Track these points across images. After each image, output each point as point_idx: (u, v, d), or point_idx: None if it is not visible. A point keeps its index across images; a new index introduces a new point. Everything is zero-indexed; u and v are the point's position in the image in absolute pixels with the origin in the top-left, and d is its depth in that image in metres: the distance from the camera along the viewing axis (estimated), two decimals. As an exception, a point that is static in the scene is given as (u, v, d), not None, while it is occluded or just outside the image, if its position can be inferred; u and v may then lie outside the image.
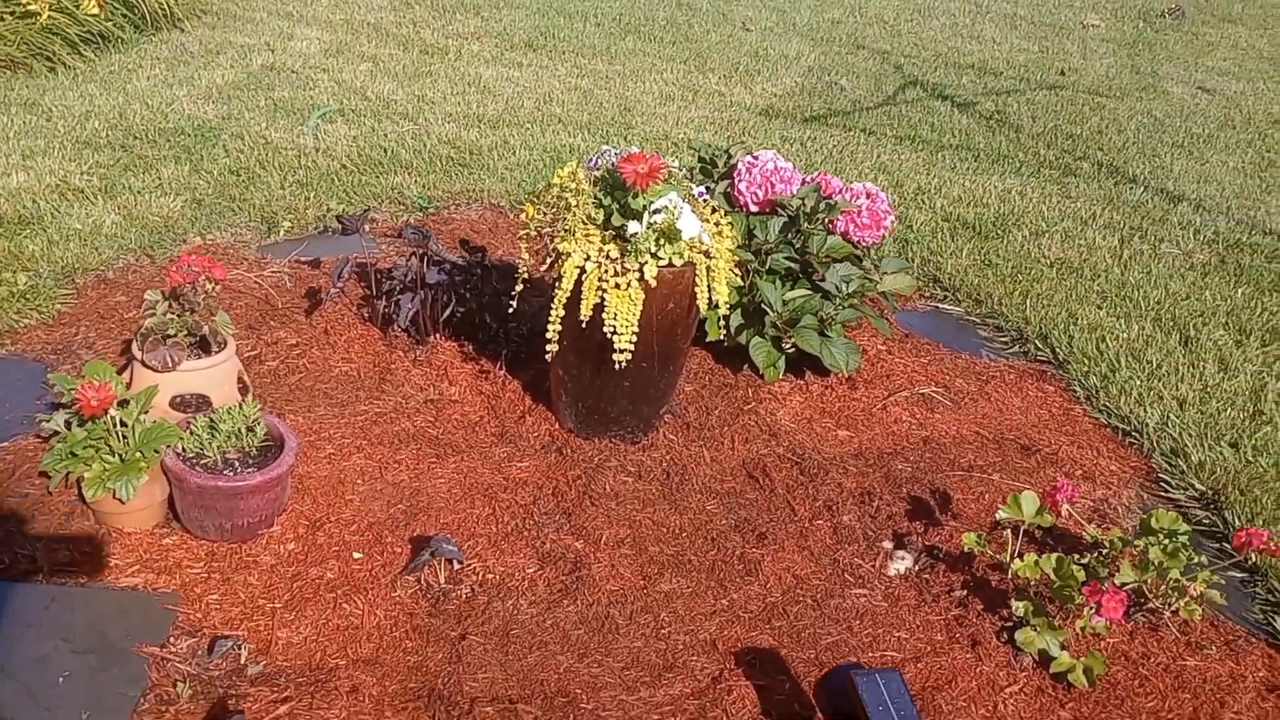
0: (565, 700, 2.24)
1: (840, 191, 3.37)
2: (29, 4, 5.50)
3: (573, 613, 2.46)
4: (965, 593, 2.64)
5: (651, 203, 2.72)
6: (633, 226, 2.67)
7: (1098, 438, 3.36)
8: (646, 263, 2.69)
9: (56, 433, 2.48)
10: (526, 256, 2.89)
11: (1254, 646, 2.57)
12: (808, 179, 3.39)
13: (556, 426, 3.07)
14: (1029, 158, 5.84)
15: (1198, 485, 3.15)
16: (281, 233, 4.09)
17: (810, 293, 3.26)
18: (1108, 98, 7.23)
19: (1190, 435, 3.34)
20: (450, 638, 2.36)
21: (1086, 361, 3.73)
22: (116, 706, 2.12)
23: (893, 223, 3.42)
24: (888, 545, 2.79)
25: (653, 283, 2.69)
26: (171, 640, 2.28)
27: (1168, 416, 3.43)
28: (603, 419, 2.98)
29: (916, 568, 2.72)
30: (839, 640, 2.47)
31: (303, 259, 3.88)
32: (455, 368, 3.27)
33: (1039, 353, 3.82)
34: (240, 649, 2.27)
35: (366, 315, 3.49)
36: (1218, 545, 2.92)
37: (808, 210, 3.26)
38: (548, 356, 2.82)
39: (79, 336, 3.31)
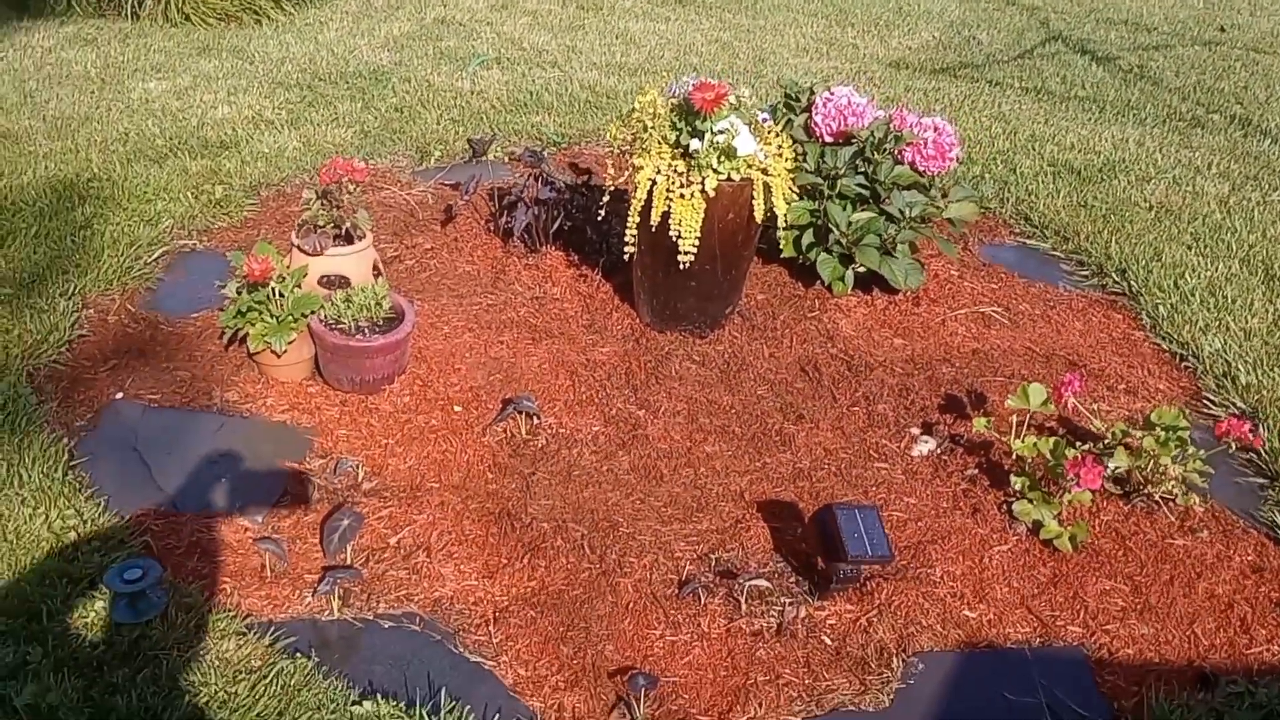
0: (608, 525, 2.74)
1: (911, 126, 3.70)
2: (241, -35, 6.34)
3: (625, 462, 2.96)
4: (977, 472, 2.98)
5: (715, 125, 3.15)
6: (695, 144, 3.11)
7: (1152, 360, 3.59)
8: (708, 176, 3.13)
9: (231, 298, 3.13)
10: (612, 171, 3.37)
11: (1249, 537, 2.82)
12: (881, 114, 3.73)
13: (636, 321, 3.55)
14: (1158, 109, 5.89)
15: (1239, 404, 3.36)
16: (432, 160, 4.70)
17: (875, 215, 3.62)
18: (1267, 54, 7.09)
19: (1245, 361, 3.52)
20: (523, 474, 2.90)
21: (1160, 294, 3.92)
22: (262, 501, 2.75)
23: (959, 154, 3.72)
24: (915, 431, 3.15)
25: (712, 194, 3.12)
26: (308, 459, 2.90)
27: (1228, 344, 3.62)
28: (674, 315, 3.45)
29: (938, 451, 3.08)
30: (851, 500, 2.87)
31: (445, 182, 4.48)
32: (559, 272, 3.79)
33: (1116, 285, 4.03)
34: (358, 469, 2.87)
35: (491, 228, 4.06)
36: (1246, 456, 3.13)
37: (876, 141, 3.61)
38: (626, 257, 3.30)
39: (258, 235, 4.00)
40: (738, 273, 3.44)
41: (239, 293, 3.12)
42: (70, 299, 3.44)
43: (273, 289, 3.10)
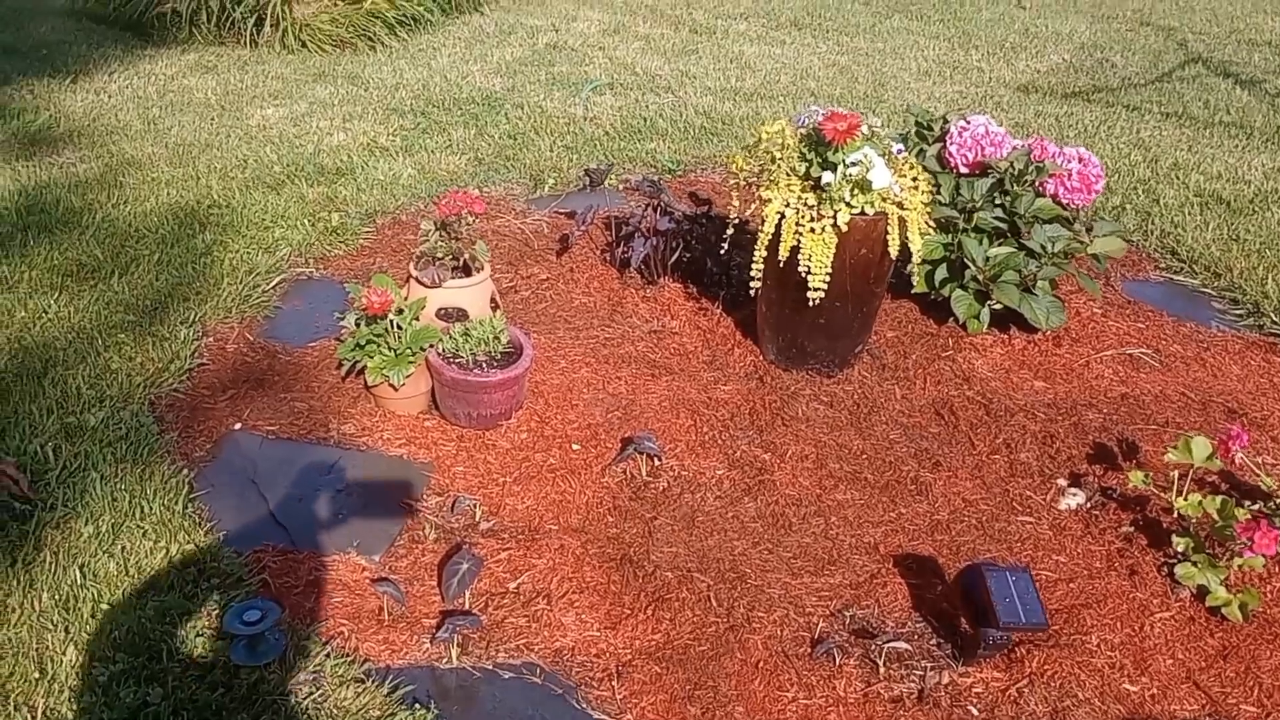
0: (736, 576, 2.60)
1: (1053, 156, 3.49)
2: (358, -8, 6.41)
3: (752, 508, 2.81)
4: (1132, 529, 2.76)
5: (847, 156, 3.00)
6: (827, 176, 2.97)
7: (1318, 409, 3.32)
8: (840, 210, 2.98)
9: (349, 330, 3.08)
10: (737, 203, 3.24)
11: None
12: (1020, 144, 3.54)
13: (759, 358, 3.41)
14: (1308, 135, 5.55)
15: None
16: (546, 188, 4.64)
17: (1014, 250, 3.42)
18: None
19: None
20: (645, 518, 2.77)
21: (1324, 337, 3.64)
22: (379, 540, 2.67)
23: (1103, 187, 3.50)
24: (1062, 483, 2.94)
25: (845, 228, 2.97)
26: (424, 497, 2.82)
27: (1403, 394, 3.33)
28: (800, 353, 3.30)
29: (1088, 505, 2.87)
30: (997, 557, 2.68)
31: (560, 211, 4.40)
32: (678, 305, 3.67)
33: (1275, 326, 3.76)
34: (476, 509, 2.77)
35: (607, 258, 3.96)
36: None
37: (1015, 172, 3.42)
38: (751, 292, 3.16)
39: (374, 264, 3.97)
40: (869, 310, 3.28)
41: (358, 325, 3.06)
42: (191, 327, 3.44)
43: (391, 321, 3.04)
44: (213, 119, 5.20)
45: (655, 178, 3.79)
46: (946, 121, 3.66)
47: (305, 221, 4.18)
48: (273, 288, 3.76)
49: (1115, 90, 6.21)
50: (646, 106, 5.64)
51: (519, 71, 6.15)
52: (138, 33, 6.42)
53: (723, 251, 3.38)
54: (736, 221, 3.26)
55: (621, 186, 4.64)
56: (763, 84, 6.10)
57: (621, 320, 3.61)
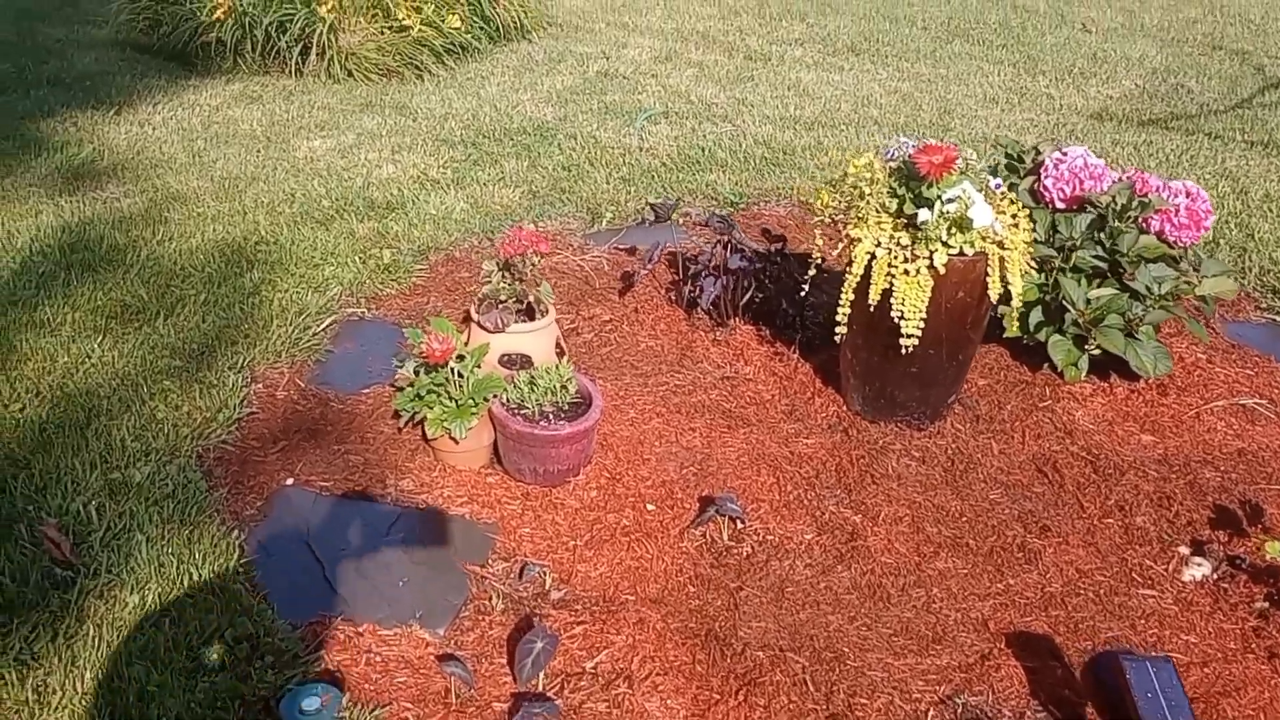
0: (832, 656, 2.36)
1: (1158, 190, 3.25)
2: (404, 20, 6.26)
3: (845, 578, 2.58)
4: (1267, 605, 2.51)
5: (944, 192, 2.78)
6: (923, 214, 2.74)
7: None
8: (936, 250, 2.76)
9: (407, 378, 2.89)
10: (820, 242, 3.02)
11: None
12: (1121, 176, 3.30)
13: (843, 408, 3.18)
14: (1402, 163, 5.26)
15: None
16: (604, 222, 4.44)
17: (1117, 292, 3.18)
18: None
19: None
20: (729, 588, 2.54)
21: None
22: (443, 610, 2.46)
23: (1213, 223, 3.26)
24: (1184, 550, 2.69)
25: (942, 270, 2.75)
26: (490, 562, 2.60)
27: None
28: (889, 403, 3.07)
29: (1214, 576, 2.61)
30: (1119, 636, 2.43)
31: (620, 246, 4.20)
32: (751, 349, 3.46)
33: (1390, 371, 3.49)
34: (545, 576, 2.56)
35: (673, 298, 3.75)
36: None
37: (1118, 208, 3.18)
38: (836, 338, 2.94)
39: (429, 304, 3.78)
40: (964, 357, 3.04)
41: (416, 373, 2.87)
42: (239, 372, 3.26)
43: (452, 369, 2.84)
44: (259, 151, 5.05)
45: (724, 213, 3.59)
46: (1039, 153, 3.43)
47: (356, 259, 4.01)
48: (323, 330, 3.58)
49: (1194, 117, 5.94)
50: (704, 136, 5.45)
51: (570, 100, 5.98)
52: (182, 63, 6.31)
53: (803, 293, 3.16)
54: (819, 261, 3.04)
55: (681, 220, 4.44)
56: (823, 112, 5.89)
57: (692, 365, 3.39)
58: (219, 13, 6.02)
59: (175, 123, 5.40)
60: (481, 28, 6.83)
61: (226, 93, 5.90)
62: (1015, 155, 3.50)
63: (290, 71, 6.18)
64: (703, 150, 5.25)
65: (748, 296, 3.53)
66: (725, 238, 3.53)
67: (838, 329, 2.92)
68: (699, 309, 3.59)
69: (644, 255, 3.97)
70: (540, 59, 6.82)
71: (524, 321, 3.04)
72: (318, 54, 6.13)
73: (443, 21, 6.41)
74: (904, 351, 2.81)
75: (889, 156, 3.02)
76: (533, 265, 3.00)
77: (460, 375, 2.84)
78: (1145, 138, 5.56)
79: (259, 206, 4.42)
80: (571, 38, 7.38)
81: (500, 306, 2.99)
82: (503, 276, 3.03)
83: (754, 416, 3.16)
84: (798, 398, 3.25)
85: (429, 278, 3.97)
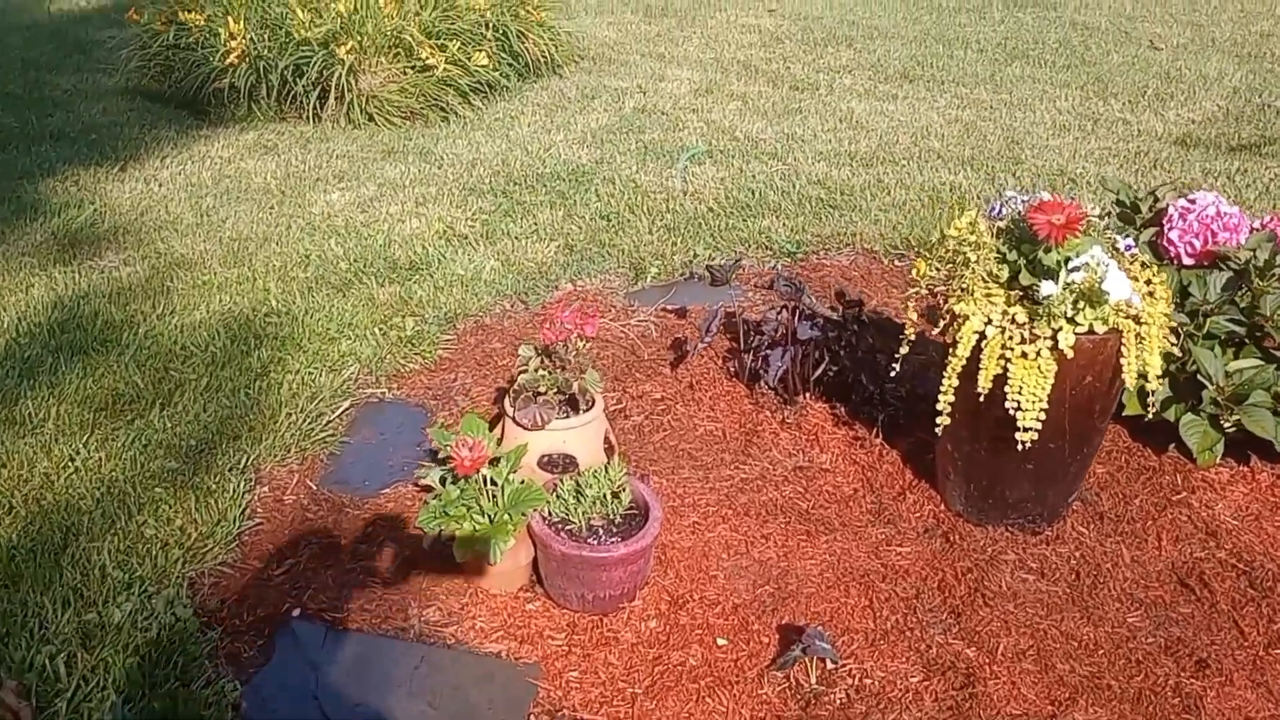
0: None
1: (1302, 239, 2.78)
2: (428, 59, 5.88)
3: (966, 739, 2.11)
4: None
5: (1069, 258, 2.32)
6: (1047, 287, 2.28)
7: None
8: (1061, 329, 2.30)
9: (432, 488, 2.46)
10: (914, 316, 2.57)
11: None
12: (1259, 224, 2.83)
13: (942, 508, 2.72)
14: None
15: None
16: (648, 279, 4.02)
17: (1261, 363, 2.70)
18: None
19: None
20: (823, 752, 2.09)
21: None
22: (475, 789, 2.02)
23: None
24: (1376, 690, 2.20)
25: (1069, 352, 2.29)
26: (531, 717, 2.16)
27: None
28: (998, 503, 2.60)
29: None
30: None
31: (669, 307, 3.77)
32: (826, 432, 3.00)
33: None
34: (598, 737, 2.11)
35: (732, 370, 3.31)
36: None
37: (1259, 264, 2.71)
38: (937, 430, 2.48)
39: (457, 382, 3.36)
40: (1089, 449, 2.57)
41: (443, 482, 2.44)
42: (242, 474, 2.85)
43: (484, 477, 2.40)
44: (272, 207, 4.67)
45: (790, 275, 3.14)
46: (1158, 199, 2.97)
47: (375, 330, 3.60)
48: (339, 416, 3.16)
49: (1287, 140, 5.44)
50: (753, 176, 5.01)
51: (606, 140, 5.57)
52: (194, 111, 5.96)
53: (894, 373, 2.70)
54: (912, 338, 2.59)
55: (736, 278, 4.00)
56: (880, 146, 5.44)
57: (759, 454, 2.94)
58: (232, 57, 5.67)
59: (184, 178, 5.03)
60: (510, 64, 6.45)
61: (240, 143, 5.54)
62: (1129, 203, 3.04)
63: (308, 117, 5.81)
64: (752, 193, 4.81)
65: (820, 370, 3.08)
66: (793, 302, 3.08)
67: (938, 419, 2.46)
68: (762, 384, 3.14)
69: (700, 321, 3.54)
70: (573, 95, 6.42)
71: (567, 415, 2.61)
72: (336, 98, 5.76)
73: (469, 59, 6.03)
74: (1021, 448, 2.35)
75: (994, 214, 2.57)
76: (577, 350, 2.56)
77: (493, 483, 2.40)
78: (1238, 165, 5.06)
79: (270, 272, 4.03)
80: (605, 71, 6.99)
81: (540, 401, 2.55)
82: (541, 363, 2.60)
83: (836, 518, 2.70)
84: (885, 493, 2.79)
85: (457, 350, 3.55)
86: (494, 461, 2.46)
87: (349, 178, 5.04)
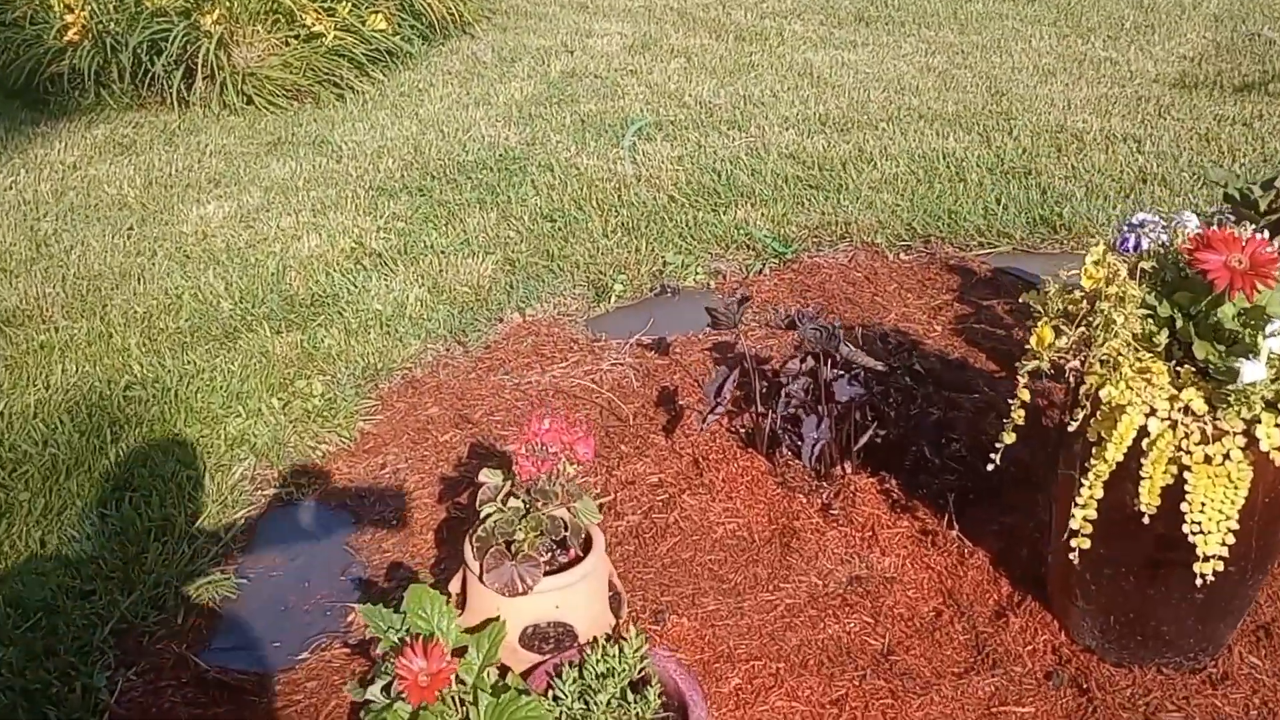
0: None
1: None
2: (314, 25, 4.96)
3: None
4: None
5: (1269, 320, 1.63)
6: (1251, 371, 1.58)
7: None
8: (1262, 424, 1.61)
9: (372, 701, 1.69)
10: (1025, 396, 1.86)
11: None
12: None
13: (1062, 637, 2.03)
14: None
15: None
16: (612, 299, 3.26)
17: None
18: None
19: None
20: None
21: None
22: None
23: None
24: None
25: (1276, 456, 1.60)
26: None
27: None
28: (1149, 639, 1.93)
29: None
30: None
31: (645, 340, 3.02)
32: (882, 521, 2.30)
33: None
34: None
35: (742, 431, 2.58)
36: None
37: None
38: (1072, 556, 1.79)
39: (386, 469, 2.59)
40: (1270, 568, 1.91)
41: (388, 695, 1.68)
42: (94, 666, 2.04)
43: (452, 699, 1.65)
44: (131, 229, 3.76)
45: (819, 317, 2.40)
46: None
47: (274, 401, 2.79)
48: (231, 538, 2.37)
49: (1298, 76, 4.84)
50: (714, 153, 4.25)
51: (535, 115, 4.73)
52: (27, 102, 4.94)
53: (996, 455, 1.98)
54: (1019, 423, 1.89)
55: (738, 317, 3.26)
56: (851, 106, 4.71)
57: (802, 563, 2.23)
58: (71, 34, 4.68)
59: (15, 193, 4.07)
60: (412, 26, 5.53)
61: (88, 141, 4.57)
62: (1243, 194, 2.36)
63: (172, 103, 4.85)
64: (717, 174, 4.05)
65: (866, 438, 2.37)
66: (822, 349, 2.35)
67: (1074, 541, 1.77)
68: (783, 448, 2.43)
69: (687, 358, 2.80)
70: (489, 60, 5.54)
71: (554, 566, 1.85)
72: (205, 78, 4.81)
73: (363, 24, 5.11)
74: (1202, 581, 1.67)
75: (1124, 247, 1.86)
76: (566, 478, 1.80)
77: (462, 700, 1.65)
78: (1254, 109, 4.44)
79: (130, 323, 3.16)
80: (522, 28, 6.10)
81: (521, 559, 1.79)
82: (511, 490, 1.83)
83: (924, 663, 2.00)
84: (978, 614, 2.10)
85: (383, 420, 2.77)
86: (460, 651, 1.70)
87: (227, 181, 4.14)
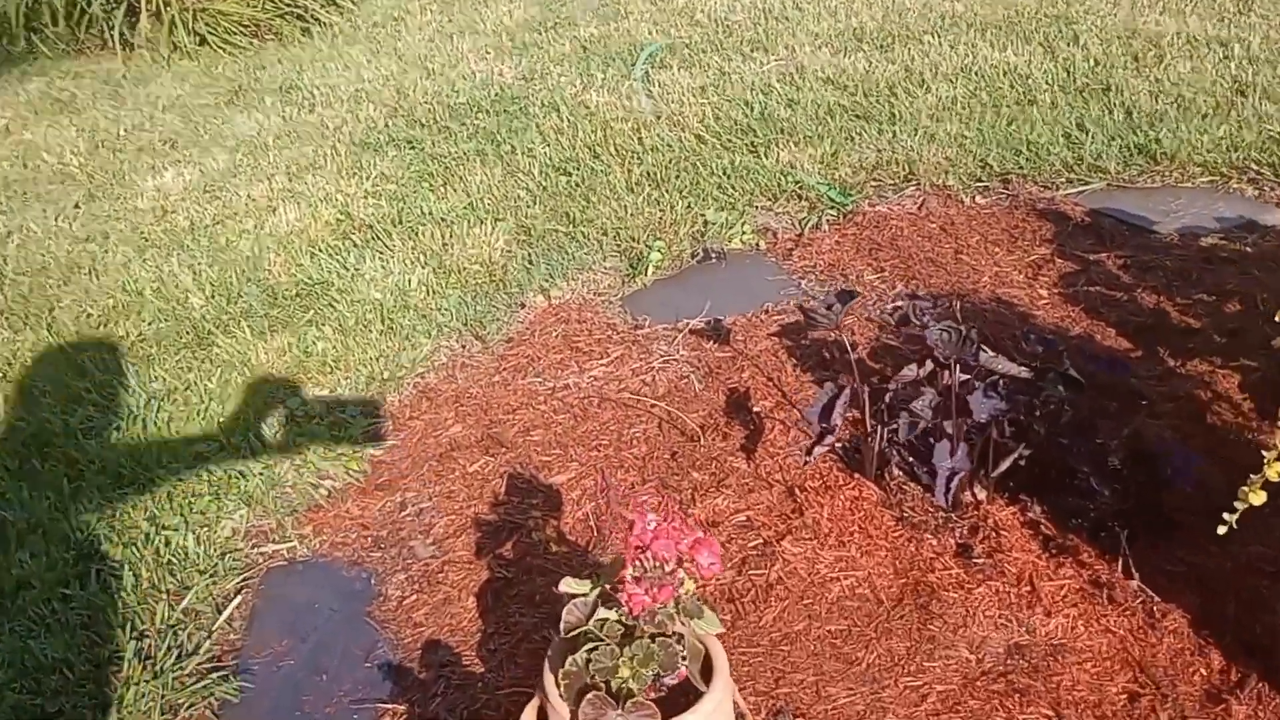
0: None
1: None
2: (270, -52, 4.34)
3: None
4: None
5: None
6: None
7: None
8: None
9: None
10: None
11: None
12: None
13: (1301, 725, 1.61)
14: None
15: None
16: (649, 271, 2.77)
17: None
18: None
19: None
20: None
21: None
22: None
23: None
24: None
25: None
26: None
27: None
28: None
29: None
30: None
31: (697, 325, 2.54)
32: (1039, 569, 1.85)
33: None
34: None
35: (841, 448, 2.12)
36: None
37: None
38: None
39: (409, 513, 2.13)
40: None
41: None
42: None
43: None
44: (78, 207, 3.22)
45: (939, 307, 1.93)
46: None
47: (264, 426, 2.30)
48: (226, 620, 1.91)
49: None
50: (741, 80, 3.72)
51: (531, 43, 4.16)
52: (-48, 55, 4.33)
53: (1229, 517, 1.52)
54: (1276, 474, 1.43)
55: (786, 259, 2.77)
56: (886, 16, 4.17)
57: (945, 630, 1.78)
58: (-9, -27, 4.05)
59: (-60, 168, 3.51)
60: (380, -57, 4.88)
61: (21, 98, 3.97)
62: None
63: (114, 47, 4.24)
64: (749, 107, 3.53)
65: (1009, 462, 1.91)
66: (954, 355, 1.88)
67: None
68: (891, 466, 1.98)
69: (747, 342, 2.33)
70: (469, -22, 4.92)
71: (663, 693, 1.40)
72: (151, 15, 4.20)
73: (325, -57, 4.49)
74: None
75: None
76: (686, 594, 1.33)
77: None
78: None
79: (84, 328, 2.65)
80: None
81: (622, 696, 1.33)
82: (614, 616, 1.36)
83: (1128, 772, 1.57)
84: (1184, 697, 1.66)
85: (397, 445, 2.30)
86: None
87: (185, 142, 3.58)
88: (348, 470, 2.24)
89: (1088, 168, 3.06)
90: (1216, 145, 3.06)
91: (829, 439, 1.89)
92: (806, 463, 1.96)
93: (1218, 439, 2.02)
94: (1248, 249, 2.67)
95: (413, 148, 3.44)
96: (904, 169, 3.13)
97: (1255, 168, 3.00)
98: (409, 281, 2.76)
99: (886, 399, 1.99)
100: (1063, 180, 3.05)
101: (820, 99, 3.55)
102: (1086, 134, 3.20)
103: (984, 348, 1.87)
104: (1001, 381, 1.89)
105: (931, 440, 1.91)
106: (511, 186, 3.18)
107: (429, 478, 2.21)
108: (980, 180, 3.07)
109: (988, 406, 1.87)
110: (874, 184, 3.10)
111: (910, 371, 1.96)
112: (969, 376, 1.89)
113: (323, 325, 2.61)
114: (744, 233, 2.93)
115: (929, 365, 1.95)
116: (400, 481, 2.21)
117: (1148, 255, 2.68)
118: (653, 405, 2.31)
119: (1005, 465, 1.92)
